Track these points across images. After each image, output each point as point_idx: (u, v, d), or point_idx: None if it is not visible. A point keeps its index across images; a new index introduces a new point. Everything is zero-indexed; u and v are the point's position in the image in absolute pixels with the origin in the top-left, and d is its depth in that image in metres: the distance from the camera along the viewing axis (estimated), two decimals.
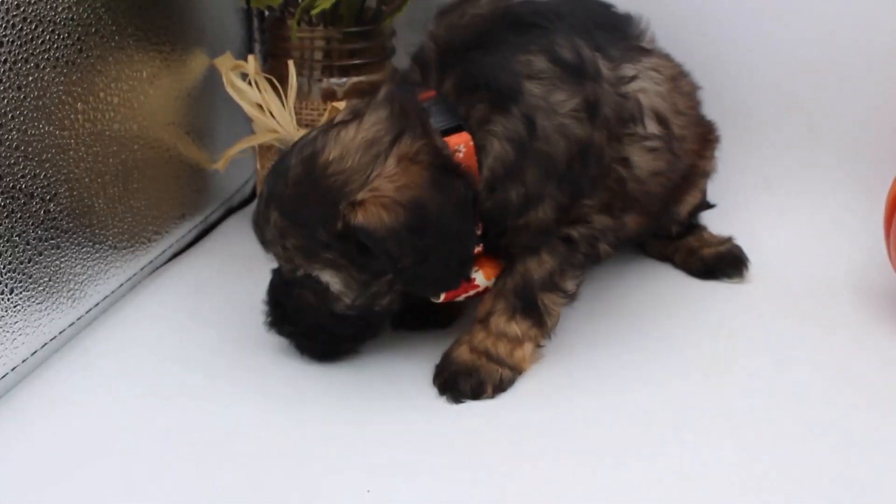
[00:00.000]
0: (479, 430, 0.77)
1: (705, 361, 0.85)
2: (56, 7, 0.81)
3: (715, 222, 1.04)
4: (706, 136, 0.98)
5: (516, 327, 0.81)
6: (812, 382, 0.82)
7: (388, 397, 0.81)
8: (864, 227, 1.02)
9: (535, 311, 0.82)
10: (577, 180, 0.79)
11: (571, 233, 0.81)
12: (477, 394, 0.80)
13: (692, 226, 1.01)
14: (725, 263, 0.99)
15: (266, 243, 0.80)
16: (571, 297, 0.83)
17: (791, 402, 0.79)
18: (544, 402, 0.80)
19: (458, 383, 0.80)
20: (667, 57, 0.92)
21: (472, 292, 0.82)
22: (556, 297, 0.82)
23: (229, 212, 1.15)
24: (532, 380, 0.83)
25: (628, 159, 0.83)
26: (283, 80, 0.98)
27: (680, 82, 0.92)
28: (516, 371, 0.82)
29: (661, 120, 0.86)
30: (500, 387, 0.81)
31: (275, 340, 0.86)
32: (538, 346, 0.83)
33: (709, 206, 1.03)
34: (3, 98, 0.76)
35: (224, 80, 1.00)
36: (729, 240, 1.01)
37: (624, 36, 0.87)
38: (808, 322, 0.91)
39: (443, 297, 0.80)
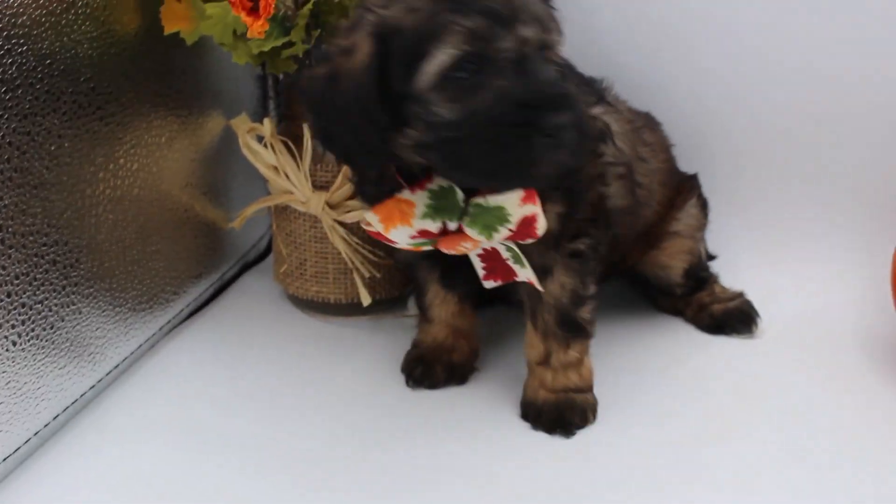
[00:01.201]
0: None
1: (714, 418, 0.86)
2: (78, 78, 0.83)
3: (727, 274, 1.05)
4: (678, 191, 1.00)
5: (573, 353, 0.86)
6: (820, 439, 0.83)
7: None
8: (872, 281, 1.03)
9: (580, 329, 0.86)
10: (573, 190, 0.83)
11: (578, 247, 0.85)
12: (584, 421, 0.86)
13: (701, 280, 1.02)
14: (735, 320, 1.00)
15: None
16: (596, 297, 0.87)
17: (801, 461, 0.80)
18: (557, 465, 0.81)
19: (563, 417, 0.85)
20: (631, 111, 0.96)
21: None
22: (587, 307, 0.86)
23: (245, 268, 1.17)
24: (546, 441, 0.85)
25: (604, 176, 0.86)
26: (299, 141, 1.00)
27: (644, 133, 0.96)
28: (591, 387, 0.88)
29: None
30: (594, 409, 0.87)
31: (294, 397, 0.88)
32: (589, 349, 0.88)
33: (710, 258, 1.04)
34: (29, 170, 0.78)
35: (240, 141, 1.02)
36: (740, 295, 1.02)
37: (590, 89, 0.91)
38: (818, 378, 0.92)
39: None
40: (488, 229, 0.78)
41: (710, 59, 1.07)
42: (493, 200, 0.77)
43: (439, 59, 0.71)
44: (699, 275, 1.02)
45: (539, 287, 0.83)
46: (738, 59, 1.07)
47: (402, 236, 0.79)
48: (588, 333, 0.87)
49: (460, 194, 0.77)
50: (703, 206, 1.03)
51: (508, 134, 0.70)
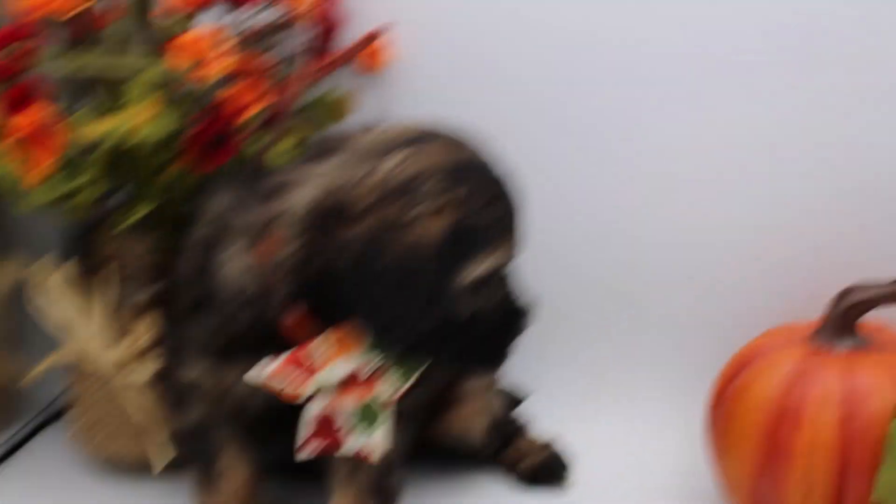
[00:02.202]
0: None
1: None
2: None
3: (545, 418, 1.03)
4: None
5: None
6: None
7: None
8: (687, 429, 1.03)
9: (391, 497, 0.82)
10: None
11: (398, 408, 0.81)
12: None
13: (507, 435, 0.99)
14: (544, 475, 0.97)
15: None
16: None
17: None
18: None
19: None
20: None
21: None
22: (396, 473, 0.83)
23: (40, 426, 1.09)
24: None
25: None
26: (98, 290, 0.94)
27: None
28: None
29: None
30: None
31: None
32: None
33: (517, 402, 1.02)
34: None
35: (34, 290, 0.96)
36: (547, 446, 0.99)
37: None
38: None
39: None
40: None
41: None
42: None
43: (488, 263, 0.76)
44: (504, 430, 0.99)
45: (373, 458, 0.79)
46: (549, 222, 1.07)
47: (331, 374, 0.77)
48: (398, 502, 0.82)
49: None
50: None
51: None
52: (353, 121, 1.02)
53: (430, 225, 0.73)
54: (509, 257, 0.80)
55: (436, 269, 0.73)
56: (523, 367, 1.02)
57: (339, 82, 1.04)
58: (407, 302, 0.73)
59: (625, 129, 1.05)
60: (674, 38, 1.02)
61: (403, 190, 0.73)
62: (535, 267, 1.03)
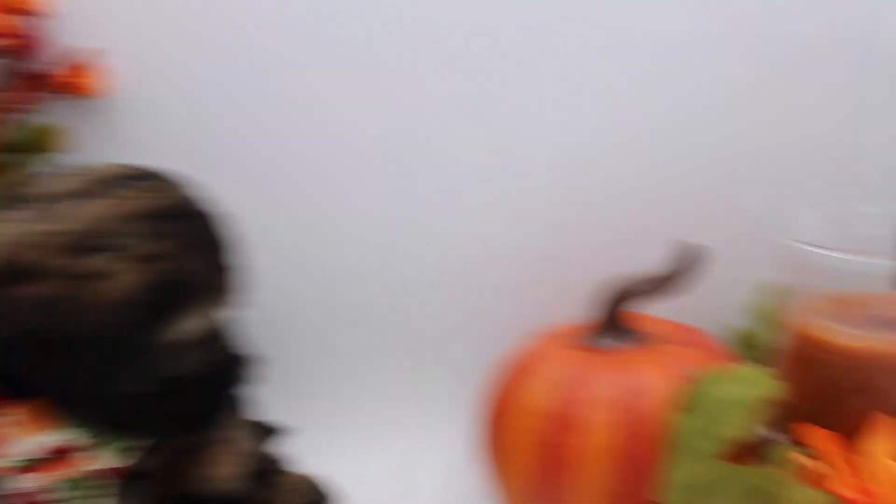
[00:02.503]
0: None
1: None
2: None
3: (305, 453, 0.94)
4: None
5: None
6: None
7: None
8: (461, 447, 0.96)
9: None
10: None
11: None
12: None
13: (264, 476, 0.90)
14: None
15: None
16: None
17: None
18: None
19: None
20: None
21: None
22: None
23: None
24: None
25: None
26: None
27: None
28: None
29: None
30: None
31: None
32: None
33: (269, 431, 0.93)
34: None
35: None
36: (308, 482, 0.90)
37: None
38: None
39: None
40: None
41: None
42: None
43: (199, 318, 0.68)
44: (260, 469, 0.89)
45: None
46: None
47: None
48: None
49: None
50: None
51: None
52: (64, 157, 0.91)
53: (123, 280, 0.64)
54: (226, 310, 0.72)
55: (129, 330, 0.64)
56: (280, 404, 0.93)
57: (49, 114, 0.92)
58: (93, 370, 0.64)
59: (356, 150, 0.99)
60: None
61: (94, 241, 0.64)
62: (273, 308, 0.96)
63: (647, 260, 0.86)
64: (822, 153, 0.97)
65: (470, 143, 0.98)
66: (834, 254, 0.76)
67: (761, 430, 0.77)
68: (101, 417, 0.67)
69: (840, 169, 0.97)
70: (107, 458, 0.69)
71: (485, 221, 1.00)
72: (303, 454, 0.94)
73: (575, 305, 0.90)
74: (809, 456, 0.69)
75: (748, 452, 0.76)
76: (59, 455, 0.67)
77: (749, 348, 0.94)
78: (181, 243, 0.67)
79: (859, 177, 0.97)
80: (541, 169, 0.98)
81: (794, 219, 0.81)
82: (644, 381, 0.78)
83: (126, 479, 0.70)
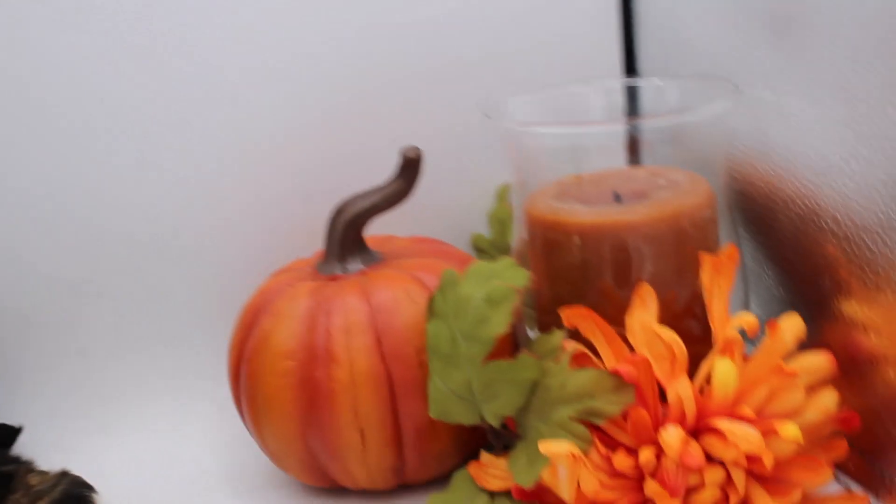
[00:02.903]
0: None
1: None
2: None
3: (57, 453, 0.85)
4: None
5: None
6: None
7: None
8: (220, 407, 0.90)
9: None
10: None
11: None
12: None
13: (8, 478, 0.79)
14: None
15: None
16: None
17: None
18: None
19: None
20: None
21: None
22: None
23: None
24: None
25: None
26: None
27: None
28: None
29: None
30: None
31: None
32: None
33: (11, 433, 0.84)
34: None
35: None
36: (64, 476, 0.81)
37: None
38: None
39: None
40: None
41: None
42: None
43: None
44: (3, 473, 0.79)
45: None
46: None
47: None
48: None
49: None
50: None
51: None
52: None
53: None
54: None
55: None
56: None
57: None
58: None
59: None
60: None
61: None
62: None
63: (377, 177, 0.82)
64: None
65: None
66: (556, 129, 0.76)
67: (516, 323, 0.76)
68: None
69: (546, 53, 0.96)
70: None
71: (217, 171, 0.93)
72: (46, 451, 0.85)
73: (310, 239, 0.85)
74: (572, 338, 0.68)
75: (509, 347, 0.75)
76: None
77: (494, 251, 0.93)
78: None
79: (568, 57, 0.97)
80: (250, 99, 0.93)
81: (516, 105, 0.80)
82: (392, 297, 0.74)
83: None
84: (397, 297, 0.74)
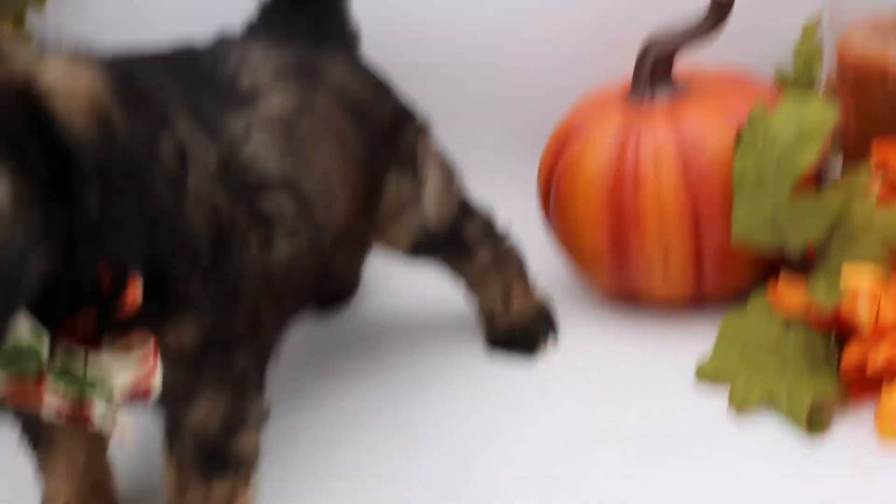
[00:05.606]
0: None
1: None
2: None
3: None
4: (372, 163, 0.75)
5: (220, 493, 0.63)
6: None
7: None
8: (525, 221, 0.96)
9: (233, 464, 0.64)
10: (225, 276, 0.60)
11: (232, 360, 0.62)
12: None
13: (456, 232, 0.80)
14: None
15: None
16: (265, 417, 0.66)
17: None
18: None
19: None
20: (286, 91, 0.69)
21: None
22: (250, 433, 0.65)
23: None
24: None
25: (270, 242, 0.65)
26: None
27: (301, 122, 0.68)
28: None
29: (288, 185, 0.66)
30: None
31: None
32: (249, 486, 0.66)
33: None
34: None
35: None
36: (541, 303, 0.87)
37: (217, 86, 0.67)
38: None
39: None
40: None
41: None
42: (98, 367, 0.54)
43: None
44: (453, 227, 0.80)
45: (123, 442, 0.57)
46: None
47: None
48: (247, 468, 0.65)
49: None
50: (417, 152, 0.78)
51: None
52: None
53: None
54: None
55: None
56: None
57: None
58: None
59: None
60: None
61: None
62: None
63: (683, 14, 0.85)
64: None
65: None
66: None
67: (823, 159, 0.78)
68: None
69: None
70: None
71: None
72: None
73: (619, 65, 0.89)
74: (880, 175, 0.70)
75: (816, 181, 0.77)
76: None
77: (797, 86, 0.94)
78: None
79: None
80: None
81: None
82: (700, 127, 0.78)
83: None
84: (704, 129, 0.79)
